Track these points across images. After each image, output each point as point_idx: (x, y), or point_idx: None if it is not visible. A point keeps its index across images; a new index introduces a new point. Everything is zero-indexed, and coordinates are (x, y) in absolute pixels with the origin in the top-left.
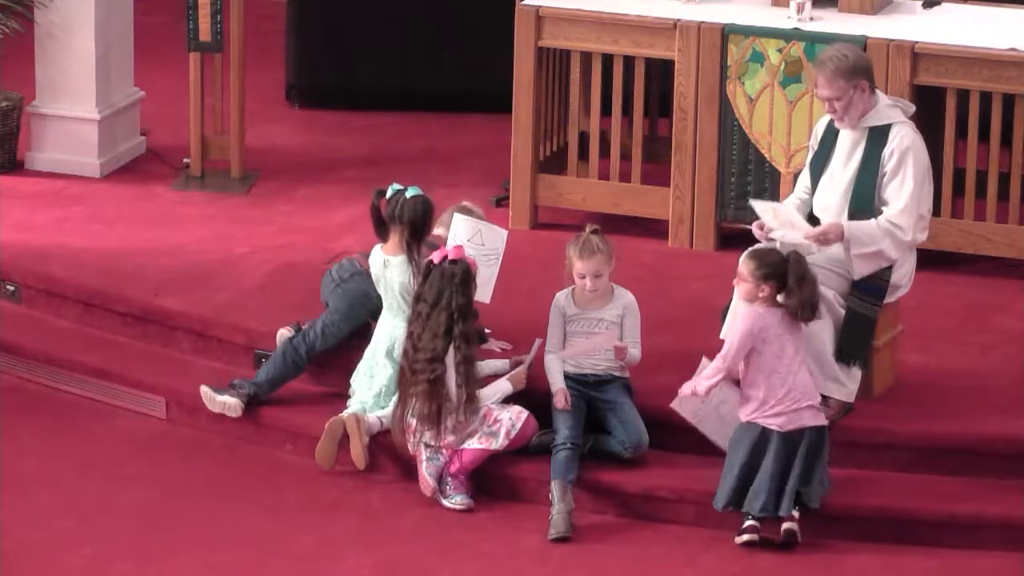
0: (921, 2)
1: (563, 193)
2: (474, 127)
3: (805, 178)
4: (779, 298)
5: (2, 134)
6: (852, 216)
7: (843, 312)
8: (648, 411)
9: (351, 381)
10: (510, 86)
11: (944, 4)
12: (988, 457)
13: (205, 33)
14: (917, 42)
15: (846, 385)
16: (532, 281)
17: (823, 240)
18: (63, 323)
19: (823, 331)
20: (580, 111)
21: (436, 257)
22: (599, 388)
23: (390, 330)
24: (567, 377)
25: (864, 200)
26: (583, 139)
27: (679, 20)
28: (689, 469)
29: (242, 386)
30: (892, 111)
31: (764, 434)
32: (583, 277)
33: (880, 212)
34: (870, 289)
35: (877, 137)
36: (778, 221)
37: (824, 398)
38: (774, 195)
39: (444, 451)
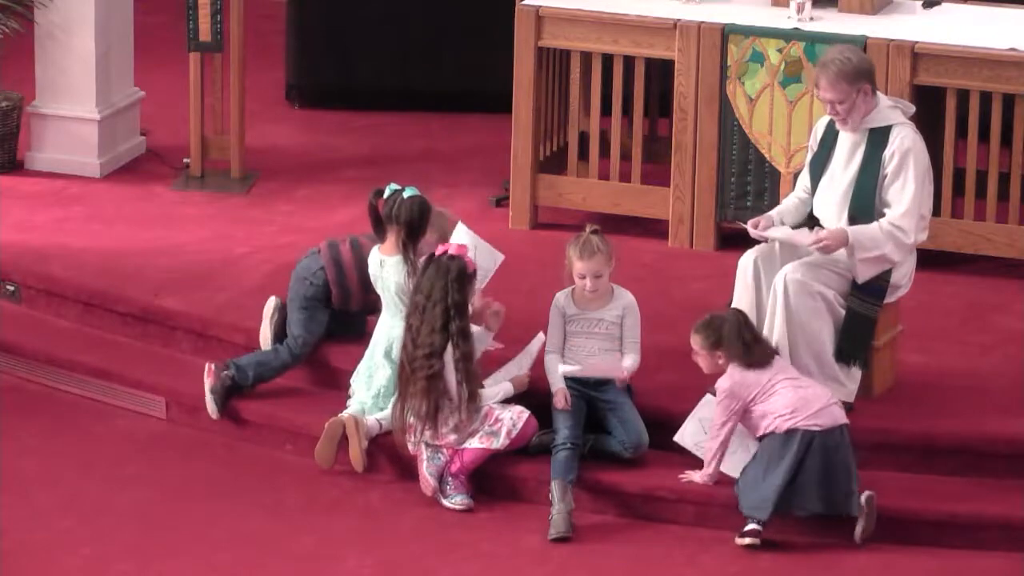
0: (921, 2)
1: (563, 193)
2: (474, 127)
3: (804, 178)
4: (721, 358)
5: (2, 134)
6: (852, 217)
7: (843, 312)
8: (648, 411)
9: (351, 382)
10: (510, 86)
11: (944, 4)
12: (988, 457)
13: (205, 33)
14: (917, 42)
15: (846, 385)
16: (532, 281)
17: (826, 248)
18: (63, 323)
19: (823, 331)
20: (580, 111)
21: (437, 251)
22: (599, 388)
23: (388, 330)
24: (567, 377)
25: (864, 201)
26: (583, 139)
27: (679, 20)
28: (689, 469)
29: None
30: (892, 112)
31: (805, 437)
32: (583, 278)
33: (881, 214)
34: (870, 289)
35: (877, 138)
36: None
37: None
38: (774, 195)
39: (445, 451)
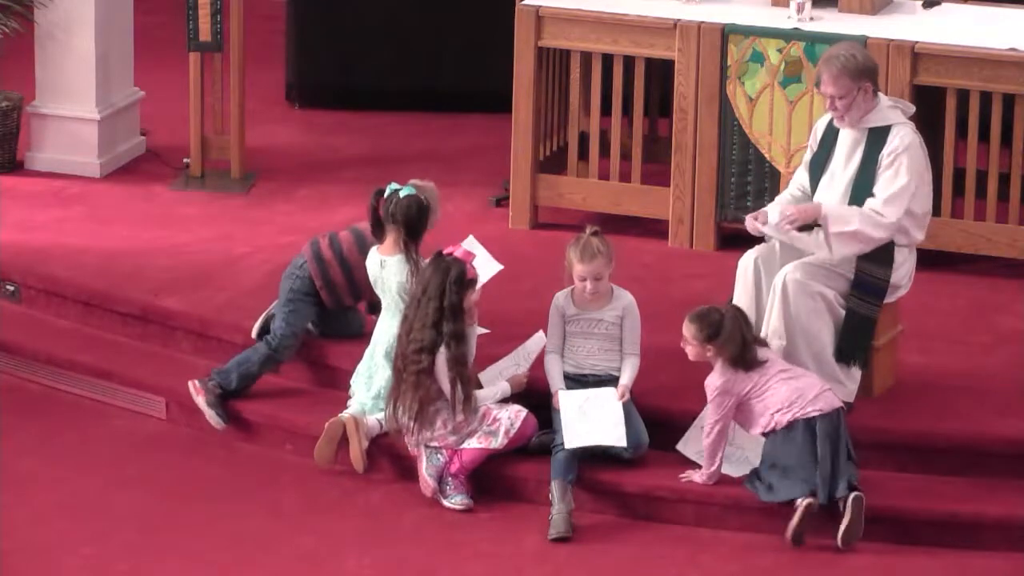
0: (921, 2)
1: (563, 193)
2: (474, 127)
3: (801, 177)
4: (711, 351)
5: (2, 134)
6: None
7: (843, 312)
8: (648, 411)
9: (351, 382)
10: (510, 86)
11: (944, 4)
12: (988, 457)
13: (205, 33)
14: (917, 42)
15: (846, 385)
16: (532, 281)
17: (792, 222)
18: (63, 323)
19: (823, 331)
20: (580, 111)
21: (445, 249)
22: (598, 388)
23: (388, 331)
24: (567, 377)
25: (863, 200)
26: (583, 139)
27: (679, 20)
28: (689, 469)
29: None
30: (892, 112)
31: (809, 424)
32: (583, 280)
33: None
34: (870, 289)
35: (877, 138)
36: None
37: None
38: (774, 195)
39: (444, 451)
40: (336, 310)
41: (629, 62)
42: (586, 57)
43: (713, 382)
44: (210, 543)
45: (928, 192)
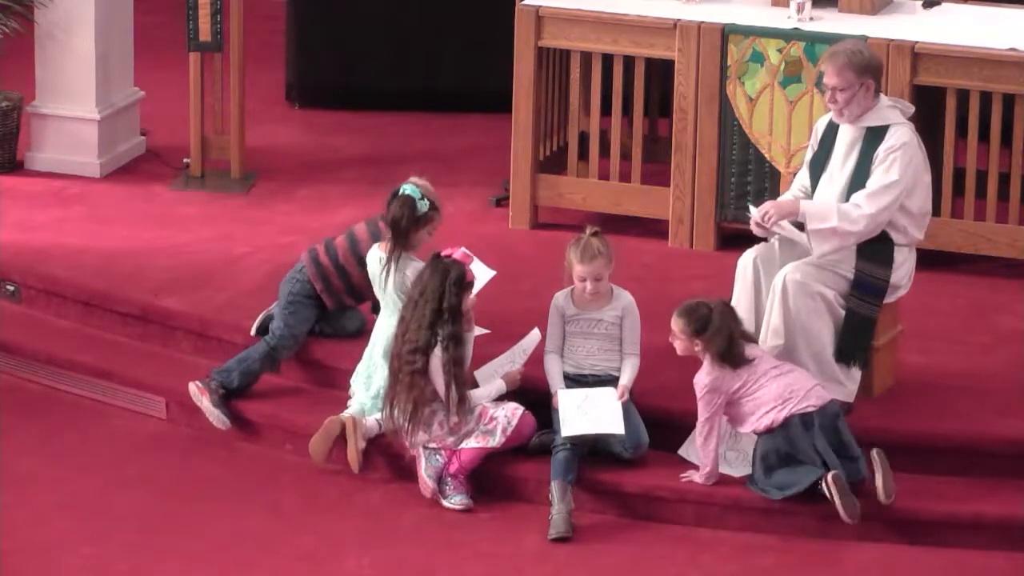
0: (921, 2)
1: (563, 193)
2: (474, 127)
3: (803, 177)
4: (699, 346)
5: (2, 134)
6: None
7: (843, 312)
8: (648, 411)
9: (350, 382)
10: (510, 86)
11: (944, 4)
12: (988, 457)
13: (205, 33)
14: (917, 42)
15: (846, 385)
16: (532, 281)
17: (767, 217)
18: (63, 323)
19: (823, 331)
20: (580, 111)
21: (444, 251)
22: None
23: (387, 330)
24: (567, 377)
25: None
26: (583, 139)
27: (679, 20)
28: (689, 469)
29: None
30: (891, 112)
31: (805, 419)
32: (584, 280)
33: None
34: (870, 289)
35: (874, 137)
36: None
37: None
38: (774, 195)
39: (443, 452)
40: (337, 309)
41: (629, 62)
42: (586, 57)
43: (701, 380)
44: (210, 543)
45: (927, 192)
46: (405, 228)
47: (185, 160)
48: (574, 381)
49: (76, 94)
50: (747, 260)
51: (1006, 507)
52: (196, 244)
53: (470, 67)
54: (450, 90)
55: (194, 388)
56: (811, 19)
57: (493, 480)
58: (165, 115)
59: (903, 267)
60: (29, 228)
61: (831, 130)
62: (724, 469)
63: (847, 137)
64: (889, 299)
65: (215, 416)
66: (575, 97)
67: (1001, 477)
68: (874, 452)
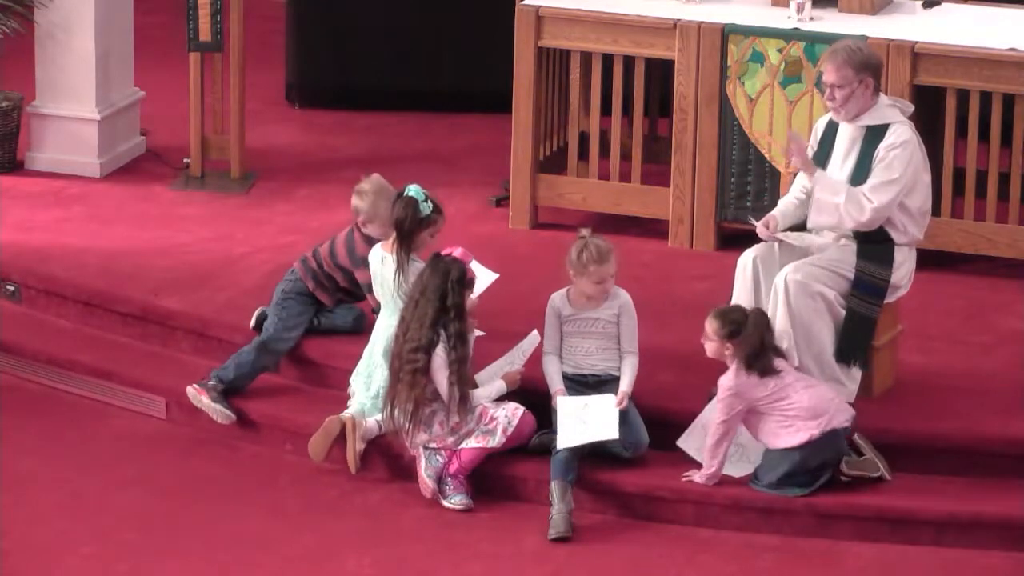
0: (921, 2)
1: (563, 193)
2: (474, 127)
3: (803, 177)
4: (729, 350)
5: (2, 134)
6: None
7: (843, 312)
8: (648, 411)
9: (350, 381)
10: (510, 86)
11: (944, 4)
12: (988, 457)
13: (205, 33)
14: (917, 42)
15: (846, 385)
16: (532, 281)
17: (802, 158)
18: (63, 323)
19: (823, 331)
20: (580, 111)
21: (443, 251)
22: (599, 388)
23: (387, 330)
24: (566, 378)
25: None
26: (583, 139)
27: (679, 20)
28: (689, 469)
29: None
30: (891, 111)
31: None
32: (601, 282)
33: None
34: (870, 289)
35: (874, 136)
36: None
37: None
38: (774, 195)
39: (443, 452)
40: (334, 306)
41: (629, 62)
42: (586, 57)
43: (726, 382)
44: (210, 543)
45: (926, 191)
46: (409, 230)
47: (185, 160)
48: (573, 381)
49: (76, 94)
50: (747, 259)
51: (1006, 507)
52: (196, 244)
53: (470, 67)
54: (450, 90)
55: (192, 390)
56: (811, 19)
57: (493, 480)
58: (165, 115)
59: (903, 267)
60: (29, 228)
61: (831, 129)
62: (725, 469)
63: (847, 136)
64: (889, 299)
65: (217, 411)
66: (575, 97)
67: (1001, 477)
68: (856, 436)
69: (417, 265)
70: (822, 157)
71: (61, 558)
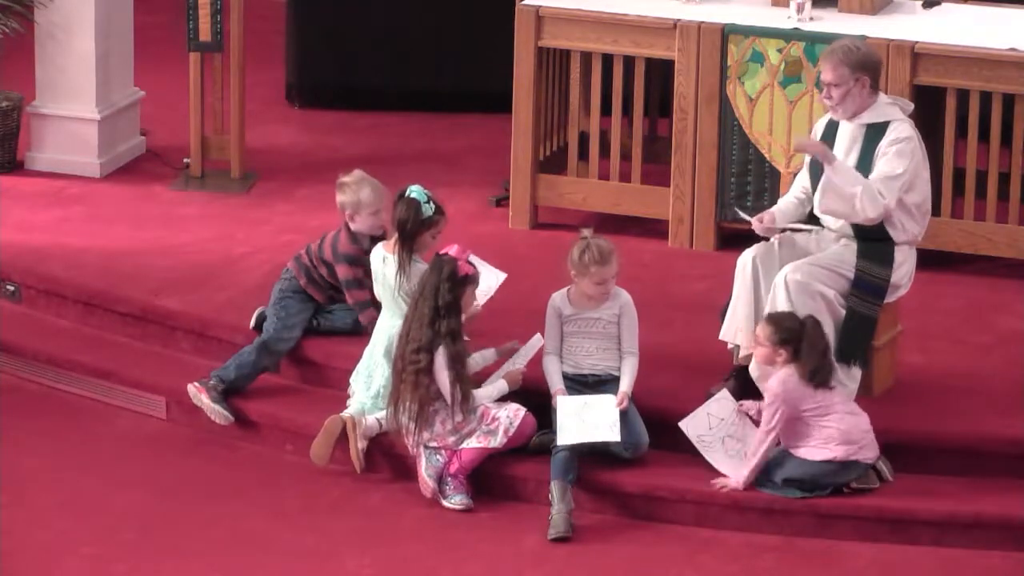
0: (921, 2)
1: (563, 193)
2: (474, 127)
3: (803, 178)
4: (782, 356)
5: (2, 134)
6: None
7: (843, 312)
8: (648, 411)
9: (350, 380)
10: (510, 86)
11: (944, 4)
12: (988, 457)
13: (205, 33)
14: (917, 42)
15: (846, 385)
16: (532, 281)
17: (801, 147)
18: (63, 323)
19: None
20: (580, 111)
21: (441, 249)
22: (598, 388)
23: (387, 329)
24: (566, 377)
25: None
26: (583, 139)
27: (679, 20)
28: (689, 469)
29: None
30: (890, 109)
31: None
32: (604, 283)
33: None
34: (870, 289)
35: (874, 134)
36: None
37: None
38: (774, 195)
39: (443, 452)
40: (327, 304)
41: (629, 62)
42: (586, 57)
43: (774, 387)
44: (210, 543)
45: (925, 188)
46: (411, 231)
47: (185, 160)
48: (574, 381)
49: (76, 94)
50: (746, 259)
51: (1006, 507)
52: (196, 244)
53: (470, 67)
54: (450, 90)
55: (192, 388)
56: (811, 19)
57: (493, 480)
58: (165, 115)
59: (903, 267)
60: (29, 228)
61: (831, 129)
62: (726, 463)
63: (847, 136)
64: (889, 299)
65: (216, 412)
66: (575, 97)
67: (1001, 477)
68: (881, 461)
69: (419, 266)
70: None
71: (61, 558)
